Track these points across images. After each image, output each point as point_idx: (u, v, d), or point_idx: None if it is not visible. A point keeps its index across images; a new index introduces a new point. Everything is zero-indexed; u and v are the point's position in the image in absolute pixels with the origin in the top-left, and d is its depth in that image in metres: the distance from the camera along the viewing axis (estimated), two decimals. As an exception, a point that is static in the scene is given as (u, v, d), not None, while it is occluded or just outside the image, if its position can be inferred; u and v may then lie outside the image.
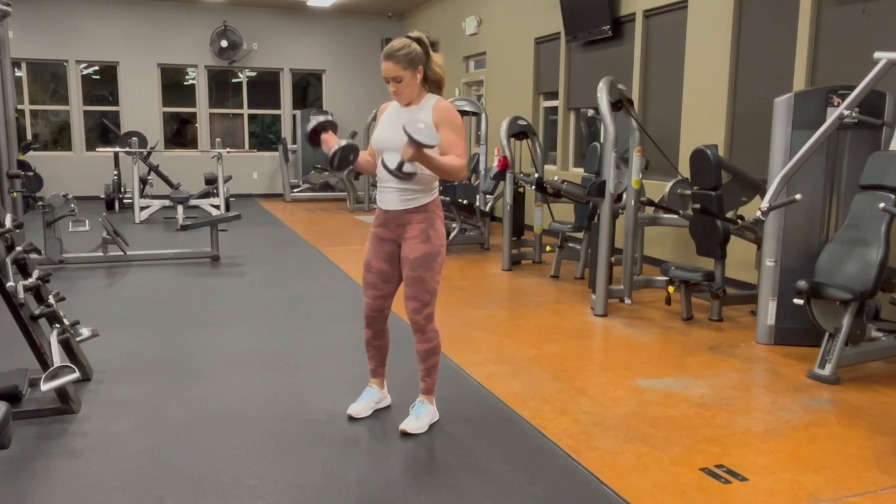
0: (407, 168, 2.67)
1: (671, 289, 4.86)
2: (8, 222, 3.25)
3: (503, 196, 6.72)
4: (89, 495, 2.43)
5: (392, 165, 2.66)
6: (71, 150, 12.23)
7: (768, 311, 4.26)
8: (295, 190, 12.65)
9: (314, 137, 2.83)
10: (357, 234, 8.69)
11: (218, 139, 11.04)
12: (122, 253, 6.56)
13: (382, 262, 2.95)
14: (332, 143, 2.76)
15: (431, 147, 2.60)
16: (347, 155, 2.73)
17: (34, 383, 3.21)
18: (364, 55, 13.54)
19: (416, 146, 2.57)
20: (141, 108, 12.41)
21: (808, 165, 4.03)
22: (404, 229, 2.85)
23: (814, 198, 4.15)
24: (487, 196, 7.74)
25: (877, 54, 3.78)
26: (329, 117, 2.86)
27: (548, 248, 6.53)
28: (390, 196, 2.85)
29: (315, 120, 2.84)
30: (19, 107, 11.47)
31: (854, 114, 3.89)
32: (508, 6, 9.53)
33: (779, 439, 2.94)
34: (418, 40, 2.81)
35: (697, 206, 4.88)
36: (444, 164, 2.71)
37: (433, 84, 2.87)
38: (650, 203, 5.30)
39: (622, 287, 5.18)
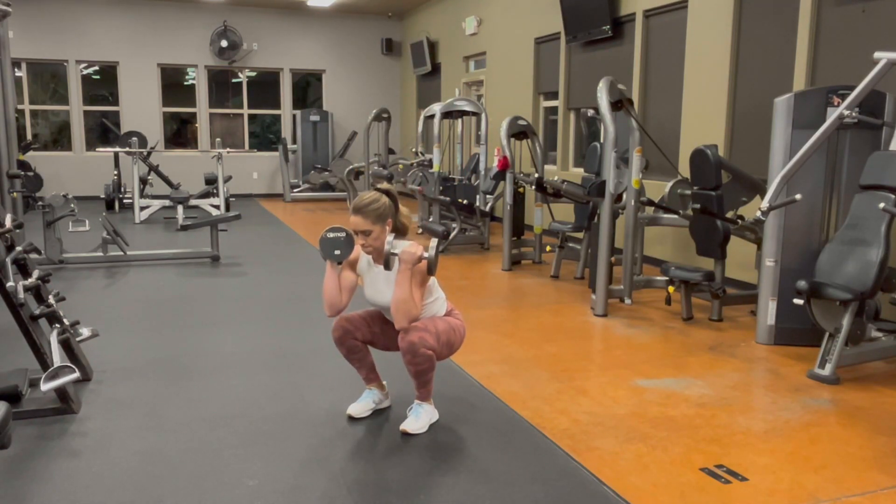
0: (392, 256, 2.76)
1: (671, 289, 4.86)
2: (8, 222, 3.25)
3: (503, 196, 6.72)
4: (89, 495, 2.43)
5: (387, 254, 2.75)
6: (71, 150, 12.23)
7: (768, 311, 4.26)
8: (295, 190, 12.64)
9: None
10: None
11: (218, 139, 11.04)
12: (122, 253, 6.56)
13: (379, 330, 3.03)
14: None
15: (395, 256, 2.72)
16: (329, 245, 2.81)
17: (34, 383, 3.21)
18: (364, 55, 13.55)
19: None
20: (141, 108, 12.41)
21: (808, 165, 4.03)
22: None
23: (814, 198, 4.15)
24: (487, 196, 7.73)
25: (877, 54, 3.78)
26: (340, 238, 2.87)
27: (548, 248, 6.53)
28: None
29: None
30: (19, 107, 11.47)
31: (854, 114, 3.89)
32: (508, 6, 9.53)
33: (779, 439, 2.94)
34: (387, 192, 2.82)
35: (697, 206, 4.88)
36: (408, 294, 2.72)
37: (400, 233, 2.88)
38: (650, 203, 5.30)
39: (622, 287, 5.18)
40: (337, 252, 2.79)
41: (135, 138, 10.28)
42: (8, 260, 3.14)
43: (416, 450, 2.81)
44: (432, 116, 8.54)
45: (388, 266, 2.74)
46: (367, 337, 3.02)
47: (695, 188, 4.92)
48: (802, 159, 3.95)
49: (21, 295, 3.07)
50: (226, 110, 13.31)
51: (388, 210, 2.81)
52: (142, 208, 9.87)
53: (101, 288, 5.71)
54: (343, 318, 2.99)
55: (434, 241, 2.74)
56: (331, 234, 2.78)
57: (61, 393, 3.03)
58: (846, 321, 3.68)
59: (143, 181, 10.65)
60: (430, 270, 2.75)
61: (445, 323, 2.92)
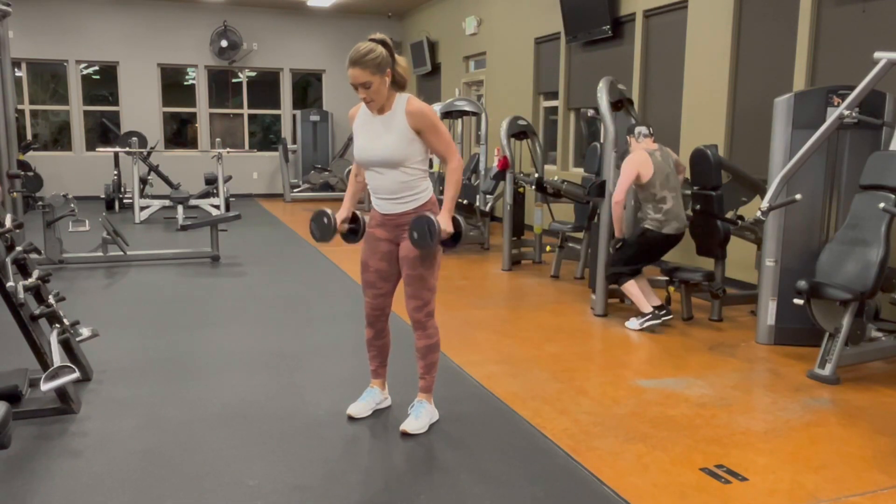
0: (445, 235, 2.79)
1: (671, 289, 4.86)
2: (8, 222, 3.25)
3: (503, 196, 6.72)
4: (89, 495, 2.43)
5: (447, 244, 2.83)
6: (71, 150, 12.23)
7: (768, 311, 4.26)
8: (295, 190, 12.64)
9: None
10: (357, 234, 8.67)
11: (218, 139, 11.04)
12: (122, 253, 6.56)
13: (380, 262, 2.96)
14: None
15: (435, 241, 2.72)
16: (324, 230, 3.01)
17: (34, 383, 3.21)
18: (364, 55, 13.52)
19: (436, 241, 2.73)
20: (141, 108, 12.41)
21: (808, 165, 4.03)
22: (402, 229, 2.85)
23: (814, 198, 4.15)
24: (487, 196, 7.74)
25: (877, 54, 3.78)
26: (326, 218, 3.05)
27: (548, 248, 6.53)
28: (385, 203, 2.88)
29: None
30: (19, 107, 11.46)
31: (854, 114, 3.89)
32: (508, 6, 9.53)
33: (779, 439, 2.94)
34: (382, 42, 2.74)
35: (697, 206, 4.88)
36: (455, 192, 2.83)
37: (399, 85, 2.81)
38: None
39: (622, 287, 5.18)
40: (327, 237, 3.02)
41: (135, 138, 10.28)
42: (8, 260, 3.14)
43: (415, 450, 2.81)
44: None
45: (450, 244, 2.84)
46: (389, 290, 3.01)
47: (695, 188, 4.92)
48: (802, 159, 3.95)
49: (21, 295, 3.07)
50: (226, 110, 13.31)
51: (386, 59, 2.71)
52: (142, 208, 9.87)
53: (101, 288, 5.71)
54: (368, 304, 3.01)
55: (458, 218, 2.85)
56: (315, 226, 3.03)
57: (61, 393, 3.03)
58: (846, 321, 3.68)
59: (143, 181, 10.66)
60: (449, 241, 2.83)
61: (431, 268, 2.86)
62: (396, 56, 2.79)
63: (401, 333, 3.80)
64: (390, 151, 2.75)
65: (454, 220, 2.81)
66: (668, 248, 4.66)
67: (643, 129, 4.68)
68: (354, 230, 3.07)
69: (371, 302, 3.01)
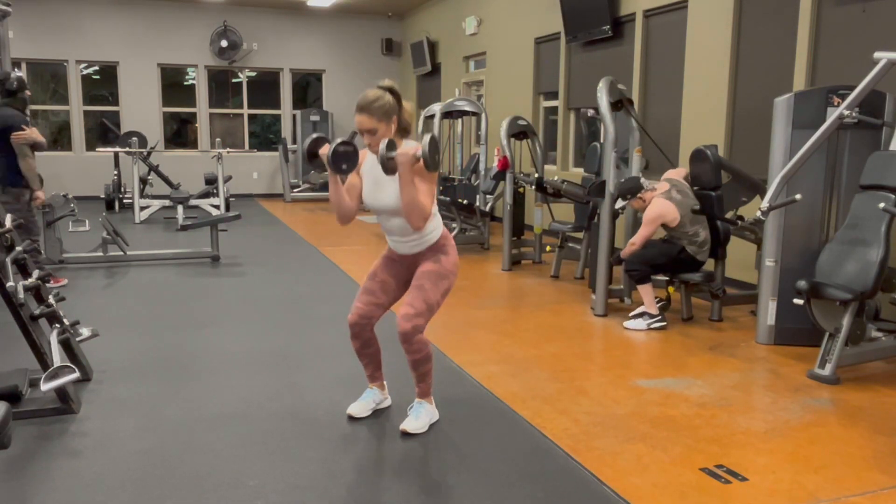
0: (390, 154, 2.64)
1: (671, 289, 4.86)
2: (8, 222, 3.25)
3: (503, 196, 6.72)
4: (89, 495, 2.43)
5: (385, 157, 2.63)
6: (71, 150, 12.23)
7: (768, 311, 4.26)
8: (295, 190, 12.64)
9: (313, 158, 2.83)
10: (357, 233, 8.68)
11: (218, 139, 11.05)
12: (122, 253, 6.56)
13: (389, 276, 2.98)
14: (326, 151, 2.75)
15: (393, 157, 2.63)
16: (340, 158, 2.70)
17: (34, 383, 3.21)
18: (364, 55, 13.55)
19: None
20: (141, 108, 12.41)
21: (808, 165, 4.03)
22: (416, 265, 2.92)
23: (814, 198, 4.15)
24: (487, 196, 7.74)
25: (877, 54, 3.78)
26: (317, 136, 2.87)
27: (548, 248, 6.53)
28: (398, 245, 2.92)
29: (309, 140, 2.85)
30: (19, 107, 11.46)
31: (854, 114, 3.89)
32: (508, 6, 9.53)
33: (779, 439, 2.94)
34: (390, 90, 2.78)
35: (697, 206, 4.88)
36: (415, 195, 2.68)
37: (404, 131, 2.85)
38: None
39: (622, 287, 5.18)
40: (345, 166, 2.72)
41: (135, 138, 10.28)
42: (8, 260, 3.14)
43: (415, 450, 2.81)
44: (432, 116, 8.54)
45: (387, 170, 2.66)
46: (385, 304, 2.99)
47: (695, 188, 4.92)
48: (802, 159, 3.94)
49: (21, 295, 3.07)
50: (226, 110, 13.31)
51: (392, 107, 2.75)
52: (142, 208, 9.87)
53: (101, 288, 5.71)
54: (358, 310, 2.96)
55: (427, 137, 2.67)
56: (341, 148, 2.69)
57: (61, 393, 3.03)
58: (846, 321, 3.68)
59: (143, 181, 10.66)
60: (427, 166, 2.67)
61: (436, 288, 2.85)
62: (403, 102, 2.82)
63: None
64: (395, 200, 2.77)
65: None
66: (696, 269, 4.68)
67: (646, 183, 4.70)
68: (349, 152, 2.73)
69: (362, 308, 2.96)
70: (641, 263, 4.64)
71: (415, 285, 2.86)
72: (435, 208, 2.91)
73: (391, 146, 2.63)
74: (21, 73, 5.40)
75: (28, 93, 5.39)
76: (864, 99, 3.86)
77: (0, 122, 5.13)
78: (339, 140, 2.71)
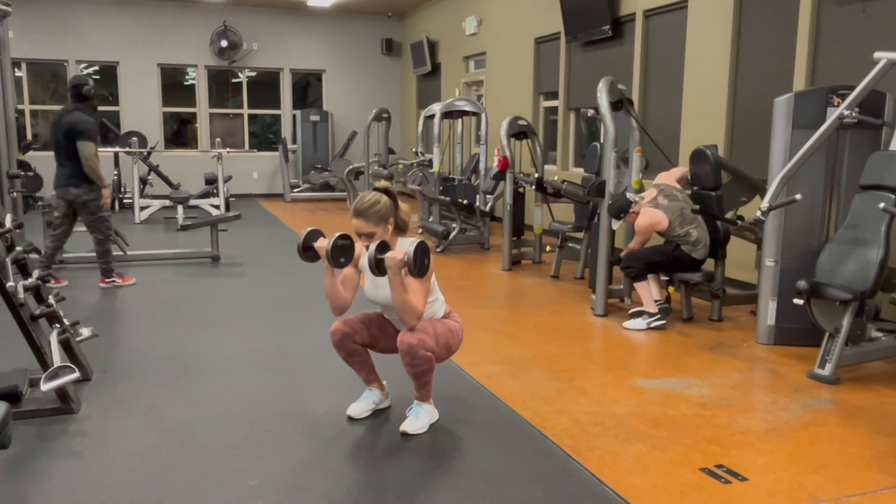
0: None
1: (671, 289, 4.86)
2: (8, 222, 3.25)
3: (503, 196, 6.72)
4: (89, 495, 2.43)
5: (373, 259, 2.68)
6: (71, 150, 12.20)
7: (768, 311, 4.26)
8: (295, 190, 12.64)
9: (307, 251, 2.90)
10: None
11: (218, 139, 11.04)
12: (122, 253, 6.56)
13: (379, 330, 3.02)
14: (323, 244, 2.82)
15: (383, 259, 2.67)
16: (339, 253, 2.79)
17: (34, 383, 3.21)
18: (364, 55, 13.55)
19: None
20: (141, 108, 12.40)
21: (808, 165, 4.03)
22: None
23: (814, 198, 4.15)
24: (487, 196, 7.73)
25: (877, 54, 3.78)
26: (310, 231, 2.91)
27: (548, 248, 6.53)
28: (400, 324, 2.92)
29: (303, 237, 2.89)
30: (19, 107, 11.45)
31: (854, 114, 3.89)
32: (508, 6, 9.53)
33: (779, 439, 2.94)
34: (386, 191, 2.82)
35: (697, 206, 4.88)
36: (405, 298, 2.71)
37: (400, 230, 2.89)
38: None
39: (622, 287, 5.18)
40: (342, 260, 2.80)
41: (135, 138, 10.28)
42: (8, 260, 3.14)
43: (415, 450, 2.81)
44: (432, 116, 8.54)
45: (375, 272, 2.68)
46: (366, 340, 3.02)
47: (695, 188, 4.92)
48: (802, 159, 3.94)
49: (21, 295, 3.07)
50: (226, 110, 13.31)
51: (389, 210, 2.81)
52: (142, 208, 9.87)
53: (101, 288, 5.71)
54: (341, 322, 2.98)
55: (415, 243, 2.69)
56: (340, 242, 2.77)
57: (61, 393, 3.03)
58: (846, 321, 3.68)
59: (143, 181, 10.65)
60: (412, 272, 2.69)
61: (444, 325, 2.92)
62: (399, 202, 2.86)
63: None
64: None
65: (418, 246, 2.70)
66: (694, 268, 4.68)
67: (633, 197, 4.72)
68: (347, 246, 2.83)
69: (352, 320, 2.98)
70: (637, 261, 4.66)
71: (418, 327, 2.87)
72: (437, 293, 2.95)
73: (381, 249, 2.67)
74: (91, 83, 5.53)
75: (97, 101, 5.47)
76: (864, 99, 3.86)
77: (72, 126, 5.18)
78: (337, 234, 2.77)
